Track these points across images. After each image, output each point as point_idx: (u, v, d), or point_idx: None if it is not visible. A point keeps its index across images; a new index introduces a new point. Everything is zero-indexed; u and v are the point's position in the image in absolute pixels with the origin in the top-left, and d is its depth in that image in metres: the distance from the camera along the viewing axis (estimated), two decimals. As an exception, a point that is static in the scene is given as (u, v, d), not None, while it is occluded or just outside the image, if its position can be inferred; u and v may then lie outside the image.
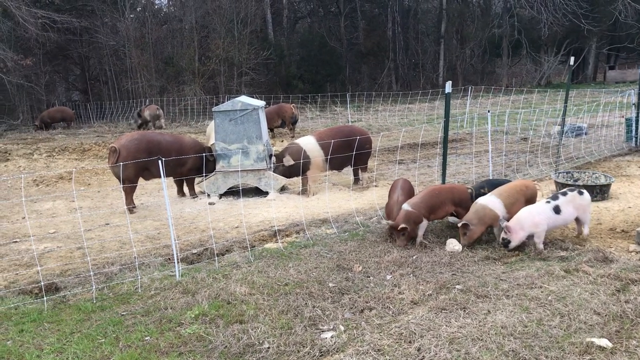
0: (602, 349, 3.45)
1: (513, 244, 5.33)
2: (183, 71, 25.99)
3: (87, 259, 5.49)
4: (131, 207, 7.80)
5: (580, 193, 5.66)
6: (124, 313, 4.33)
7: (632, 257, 5.08)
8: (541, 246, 5.39)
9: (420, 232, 5.72)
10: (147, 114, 19.09)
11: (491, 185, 6.38)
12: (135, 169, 7.65)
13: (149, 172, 8.01)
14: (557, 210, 5.45)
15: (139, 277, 5.01)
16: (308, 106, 23.94)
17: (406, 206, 5.73)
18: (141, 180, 8.12)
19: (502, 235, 5.36)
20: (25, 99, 24.70)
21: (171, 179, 8.57)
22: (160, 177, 7.33)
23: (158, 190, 9.28)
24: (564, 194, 5.62)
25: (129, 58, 25.88)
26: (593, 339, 3.55)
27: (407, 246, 5.66)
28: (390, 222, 5.77)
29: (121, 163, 7.41)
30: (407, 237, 5.66)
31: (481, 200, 5.75)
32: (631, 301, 4.05)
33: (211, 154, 8.54)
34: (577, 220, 5.73)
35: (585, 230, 5.73)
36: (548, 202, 5.53)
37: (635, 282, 4.41)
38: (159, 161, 5.24)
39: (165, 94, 25.34)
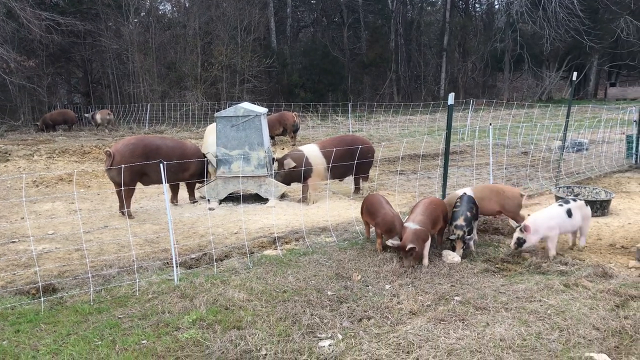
0: (601, 364, 3.44)
1: (527, 245, 5.41)
2: (185, 77, 26.08)
3: (85, 260, 5.47)
4: (126, 212, 7.62)
5: (586, 204, 5.84)
6: (121, 316, 4.30)
7: (632, 273, 5.07)
8: (554, 252, 5.47)
9: (427, 251, 5.46)
10: (98, 117, 20.50)
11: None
12: (130, 174, 7.50)
13: (148, 178, 7.94)
14: (569, 213, 5.58)
15: (137, 281, 4.99)
16: (309, 115, 23.99)
17: (411, 224, 5.42)
18: (141, 185, 8.09)
19: (518, 234, 5.39)
20: (27, 100, 24.76)
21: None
22: (159, 183, 7.32)
23: (158, 195, 9.27)
24: (574, 199, 5.79)
25: (131, 62, 25.96)
26: (592, 354, 3.53)
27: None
28: (395, 242, 5.38)
29: (114, 168, 7.37)
30: (416, 256, 5.34)
31: (457, 191, 6.29)
32: (630, 317, 4.04)
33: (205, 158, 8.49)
34: (580, 229, 5.83)
35: (582, 242, 5.84)
36: (561, 205, 5.65)
37: (635, 298, 4.40)
38: (160, 166, 5.20)
39: (167, 99, 25.40)
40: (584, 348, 3.64)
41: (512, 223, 5.63)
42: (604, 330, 3.87)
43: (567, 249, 5.89)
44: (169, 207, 5.28)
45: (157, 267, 5.48)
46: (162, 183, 5.25)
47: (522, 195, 6.20)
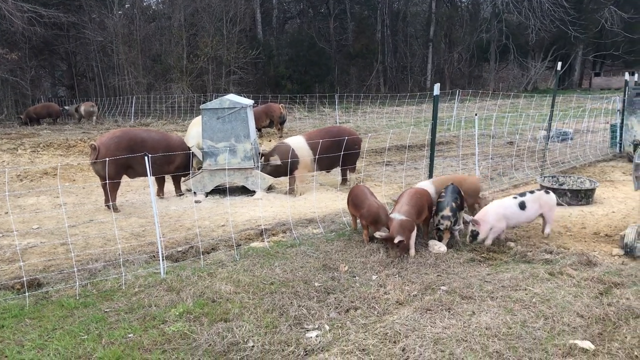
0: (584, 351, 3.48)
1: (481, 237, 5.53)
2: (171, 69, 25.90)
3: (70, 255, 5.42)
4: (111, 205, 7.56)
5: (547, 192, 5.90)
6: (107, 310, 4.28)
7: (615, 261, 5.13)
8: (489, 242, 5.58)
9: (413, 241, 5.44)
10: (82, 109, 20.42)
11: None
12: (115, 167, 7.39)
13: (133, 170, 7.86)
14: (522, 206, 5.66)
15: (123, 274, 4.96)
16: (296, 106, 23.92)
17: (397, 215, 5.41)
18: (127, 178, 8.03)
19: (471, 227, 5.54)
20: (10, 94, 24.43)
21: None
22: (145, 175, 7.26)
23: (143, 188, 9.21)
24: (532, 192, 5.86)
25: (116, 55, 25.72)
26: (576, 341, 3.57)
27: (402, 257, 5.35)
28: (382, 234, 5.35)
29: (99, 161, 7.30)
30: (403, 247, 5.31)
31: (417, 185, 6.31)
32: (613, 304, 4.10)
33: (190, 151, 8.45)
34: (543, 217, 5.92)
35: (547, 230, 5.90)
36: (515, 197, 5.77)
37: (618, 285, 4.46)
38: (145, 159, 5.15)
39: (152, 91, 25.21)
40: (568, 335, 3.68)
41: (466, 217, 5.70)
42: (588, 318, 3.92)
43: (552, 238, 5.94)
44: (155, 200, 5.25)
45: (143, 260, 5.45)
46: (147, 176, 5.20)
47: (480, 182, 6.43)
